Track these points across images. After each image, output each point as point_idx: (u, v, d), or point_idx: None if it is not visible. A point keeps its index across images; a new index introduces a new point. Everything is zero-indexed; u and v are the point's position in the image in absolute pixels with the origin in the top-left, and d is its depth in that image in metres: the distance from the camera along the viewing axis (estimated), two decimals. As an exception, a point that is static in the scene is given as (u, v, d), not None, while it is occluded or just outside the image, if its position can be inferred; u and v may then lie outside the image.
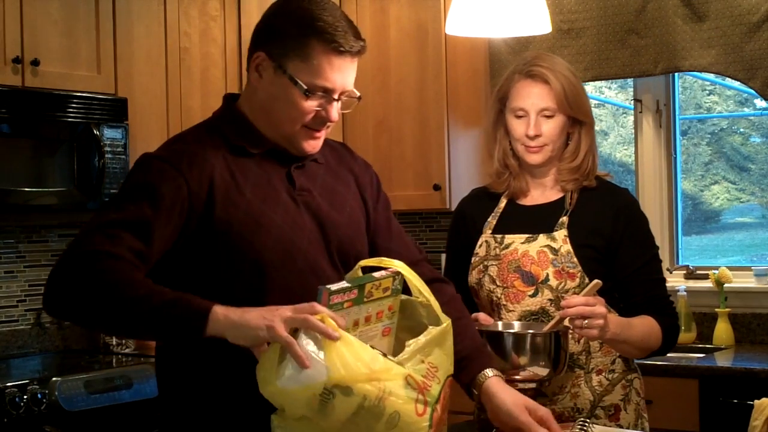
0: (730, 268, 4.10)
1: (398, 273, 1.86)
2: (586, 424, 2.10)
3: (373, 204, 2.21)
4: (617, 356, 2.44)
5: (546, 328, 2.24)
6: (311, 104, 2.00)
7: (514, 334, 2.25)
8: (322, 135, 2.06)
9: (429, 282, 2.01)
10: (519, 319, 2.40)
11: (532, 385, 2.25)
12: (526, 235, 2.44)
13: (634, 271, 2.42)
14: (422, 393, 1.78)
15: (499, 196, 2.54)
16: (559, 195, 2.49)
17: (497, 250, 2.45)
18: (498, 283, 2.43)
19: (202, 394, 2.01)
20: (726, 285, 4.04)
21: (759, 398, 3.10)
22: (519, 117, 2.44)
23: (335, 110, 2.02)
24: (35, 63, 3.68)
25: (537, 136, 2.42)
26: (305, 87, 1.98)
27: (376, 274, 1.83)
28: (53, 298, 1.87)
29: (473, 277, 2.48)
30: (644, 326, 2.37)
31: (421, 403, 1.77)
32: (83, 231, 1.90)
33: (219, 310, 1.78)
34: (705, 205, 4.77)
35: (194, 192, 1.94)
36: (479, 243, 2.49)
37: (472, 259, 2.50)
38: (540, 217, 2.46)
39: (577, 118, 2.45)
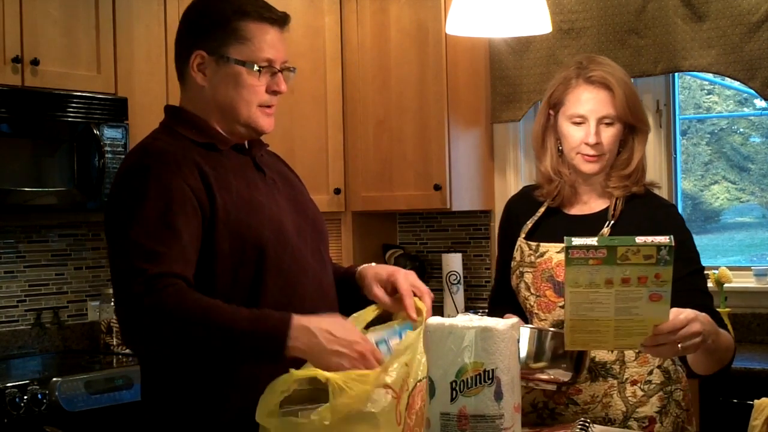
0: (730, 268, 4.09)
1: (666, 245, 1.87)
2: (587, 424, 2.10)
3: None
4: (655, 366, 2.33)
5: None
6: (262, 81, 2.09)
7: (536, 329, 2.15)
8: (273, 111, 2.15)
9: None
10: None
11: (552, 387, 2.20)
12: (562, 245, 2.30)
13: (677, 281, 2.12)
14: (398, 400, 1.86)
15: (541, 202, 2.45)
16: (604, 205, 2.39)
17: (532, 257, 2.38)
18: (532, 291, 2.36)
19: (187, 401, 2.01)
20: (726, 285, 4.04)
21: (759, 398, 3.10)
22: (577, 124, 2.34)
23: (282, 80, 2.12)
24: (35, 62, 3.68)
25: (597, 144, 2.32)
26: (254, 64, 2.07)
27: (638, 239, 1.87)
28: (135, 336, 1.91)
29: (513, 281, 2.43)
30: (725, 334, 2.19)
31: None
32: (122, 261, 1.92)
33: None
34: (705, 205, 4.77)
35: (193, 187, 1.98)
36: (516, 247, 2.42)
37: (512, 262, 2.44)
38: (580, 228, 2.33)
39: (635, 125, 2.36)
